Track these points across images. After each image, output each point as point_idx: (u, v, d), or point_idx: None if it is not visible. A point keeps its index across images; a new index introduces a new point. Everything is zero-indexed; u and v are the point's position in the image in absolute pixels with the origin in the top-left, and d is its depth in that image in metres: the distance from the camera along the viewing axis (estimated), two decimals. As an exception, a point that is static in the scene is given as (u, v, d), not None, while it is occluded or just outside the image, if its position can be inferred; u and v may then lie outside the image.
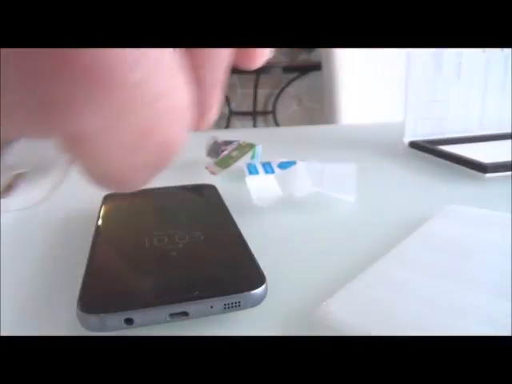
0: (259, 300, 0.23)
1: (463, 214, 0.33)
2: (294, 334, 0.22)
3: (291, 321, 0.24)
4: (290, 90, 2.89)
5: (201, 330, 0.23)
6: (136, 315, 0.22)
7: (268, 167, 0.47)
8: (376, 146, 0.61)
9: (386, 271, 0.26)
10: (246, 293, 0.23)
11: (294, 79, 2.80)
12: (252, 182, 0.39)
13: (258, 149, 0.51)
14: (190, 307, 0.22)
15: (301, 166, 0.40)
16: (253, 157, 0.51)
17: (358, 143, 0.63)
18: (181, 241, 0.28)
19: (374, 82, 0.97)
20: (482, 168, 0.46)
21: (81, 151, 0.11)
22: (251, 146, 0.50)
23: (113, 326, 0.21)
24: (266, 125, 3.01)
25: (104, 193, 0.37)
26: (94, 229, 0.31)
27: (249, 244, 0.28)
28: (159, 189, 0.39)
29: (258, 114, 2.89)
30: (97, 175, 0.12)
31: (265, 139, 0.55)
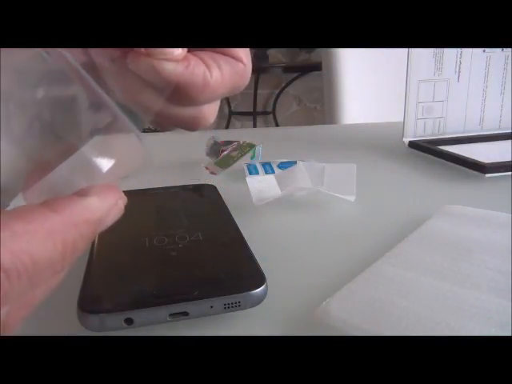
0: (259, 300, 0.23)
1: (463, 214, 0.33)
2: (294, 334, 0.22)
3: (291, 321, 0.24)
4: (290, 89, 2.89)
5: (201, 330, 0.23)
6: (136, 315, 0.22)
7: (268, 167, 0.47)
8: (376, 146, 0.61)
9: (386, 271, 0.26)
10: (246, 293, 0.23)
11: (294, 79, 2.79)
12: (252, 182, 0.39)
13: (258, 149, 0.51)
14: (190, 307, 0.22)
15: (301, 166, 0.40)
16: (253, 157, 0.51)
17: (358, 143, 0.63)
18: (181, 241, 0.28)
19: (373, 81, 0.97)
20: (481, 168, 0.46)
21: None
22: (251, 146, 0.50)
23: (113, 326, 0.21)
24: (266, 125, 3.01)
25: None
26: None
27: (249, 244, 0.28)
28: (159, 189, 0.39)
29: (258, 114, 2.89)
30: None
31: (265, 139, 0.55)
